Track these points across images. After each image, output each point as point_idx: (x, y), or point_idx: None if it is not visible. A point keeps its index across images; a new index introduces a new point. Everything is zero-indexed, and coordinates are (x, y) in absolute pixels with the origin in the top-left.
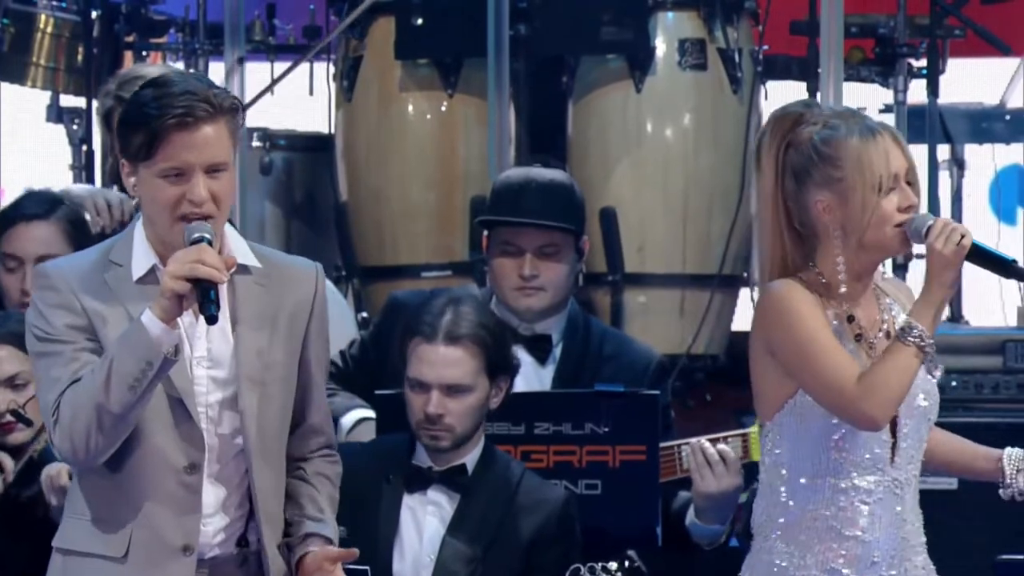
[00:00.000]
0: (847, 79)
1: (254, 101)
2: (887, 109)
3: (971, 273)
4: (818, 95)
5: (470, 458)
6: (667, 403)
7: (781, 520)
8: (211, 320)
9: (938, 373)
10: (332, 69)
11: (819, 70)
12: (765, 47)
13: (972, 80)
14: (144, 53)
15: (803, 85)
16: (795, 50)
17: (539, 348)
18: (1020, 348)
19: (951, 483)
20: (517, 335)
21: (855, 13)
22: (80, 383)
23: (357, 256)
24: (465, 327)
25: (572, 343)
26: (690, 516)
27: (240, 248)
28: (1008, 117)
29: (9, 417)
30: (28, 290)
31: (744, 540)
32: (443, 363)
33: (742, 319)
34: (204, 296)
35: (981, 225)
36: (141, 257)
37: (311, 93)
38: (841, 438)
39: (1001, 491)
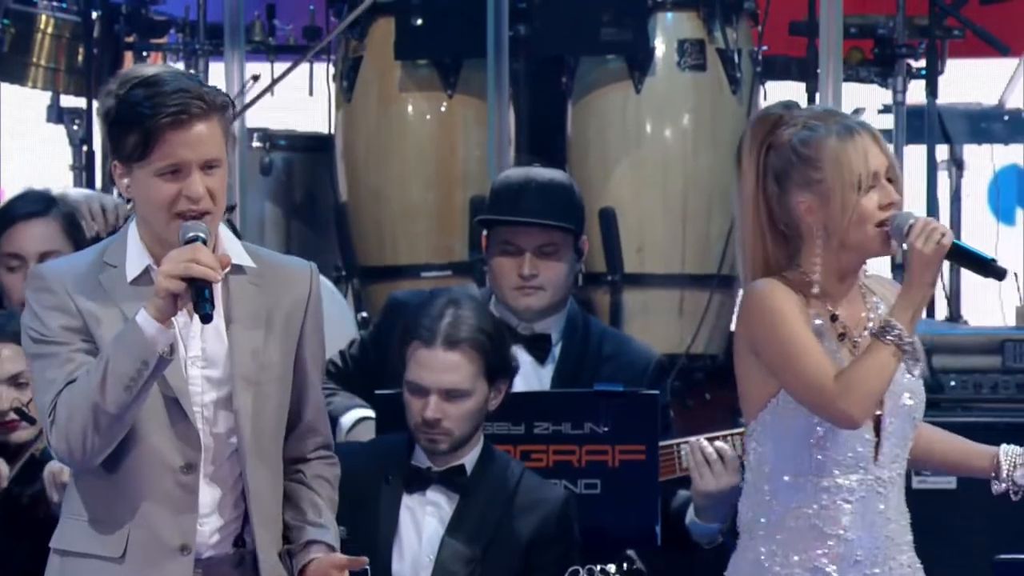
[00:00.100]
0: (846, 80)
1: (254, 101)
2: (886, 110)
3: (970, 273)
4: (817, 96)
5: (469, 458)
6: (666, 403)
7: (765, 519)
8: (206, 319)
9: (916, 372)
10: (332, 69)
11: (818, 71)
12: (764, 48)
13: (971, 80)
14: (144, 53)
15: (802, 86)
16: (794, 51)
17: (538, 348)
18: (1019, 348)
19: (950, 483)
20: (516, 334)
21: (854, 14)
22: (76, 384)
23: (357, 256)
24: (464, 331)
25: (571, 343)
26: (689, 515)
27: (234, 248)
28: (1007, 117)
29: (12, 415)
30: None
31: (730, 538)
32: (442, 368)
33: None
34: (198, 295)
35: (980, 225)
36: (135, 258)
37: (311, 93)
38: (822, 437)
39: (994, 486)
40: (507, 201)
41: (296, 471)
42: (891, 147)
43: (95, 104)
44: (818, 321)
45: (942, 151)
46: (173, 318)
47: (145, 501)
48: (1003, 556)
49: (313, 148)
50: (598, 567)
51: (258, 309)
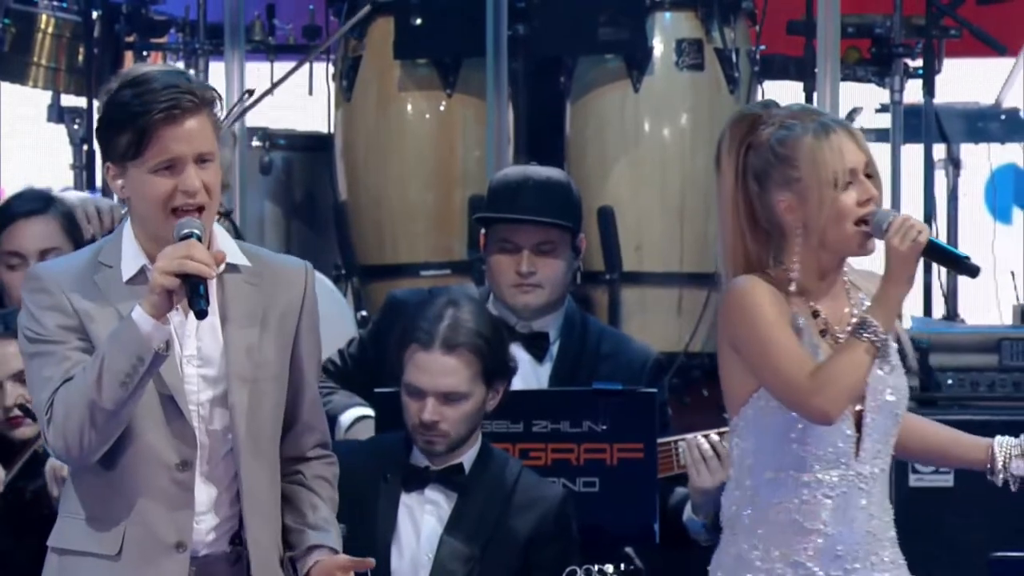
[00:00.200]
0: (843, 79)
1: (255, 103)
2: (883, 109)
3: None
4: (815, 95)
5: (467, 457)
6: (664, 401)
7: (747, 513)
8: (200, 315)
9: (888, 367)
10: (331, 69)
11: (816, 70)
12: (762, 47)
13: (968, 80)
14: (144, 53)
15: (800, 85)
16: (792, 50)
17: (536, 346)
18: (1016, 346)
19: (947, 481)
20: (514, 332)
21: (851, 13)
22: (72, 381)
23: (356, 255)
24: (462, 335)
25: (569, 341)
26: (687, 512)
27: (229, 247)
28: (1003, 117)
29: (17, 412)
30: None
31: (714, 534)
32: (439, 372)
33: None
34: (193, 291)
35: (976, 224)
36: (131, 258)
37: (311, 93)
38: (802, 432)
39: (990, 477)
40: (505, 199)
41: (296, 471)
42: (889, 145)
43: (95, 104)
44: (799, 320)
45: (939, 150)
46: (169, 316)
47: (141, 498)
48: (999, 554)
49: (313, 147)
50: (595, 567)
51: (253, 308)
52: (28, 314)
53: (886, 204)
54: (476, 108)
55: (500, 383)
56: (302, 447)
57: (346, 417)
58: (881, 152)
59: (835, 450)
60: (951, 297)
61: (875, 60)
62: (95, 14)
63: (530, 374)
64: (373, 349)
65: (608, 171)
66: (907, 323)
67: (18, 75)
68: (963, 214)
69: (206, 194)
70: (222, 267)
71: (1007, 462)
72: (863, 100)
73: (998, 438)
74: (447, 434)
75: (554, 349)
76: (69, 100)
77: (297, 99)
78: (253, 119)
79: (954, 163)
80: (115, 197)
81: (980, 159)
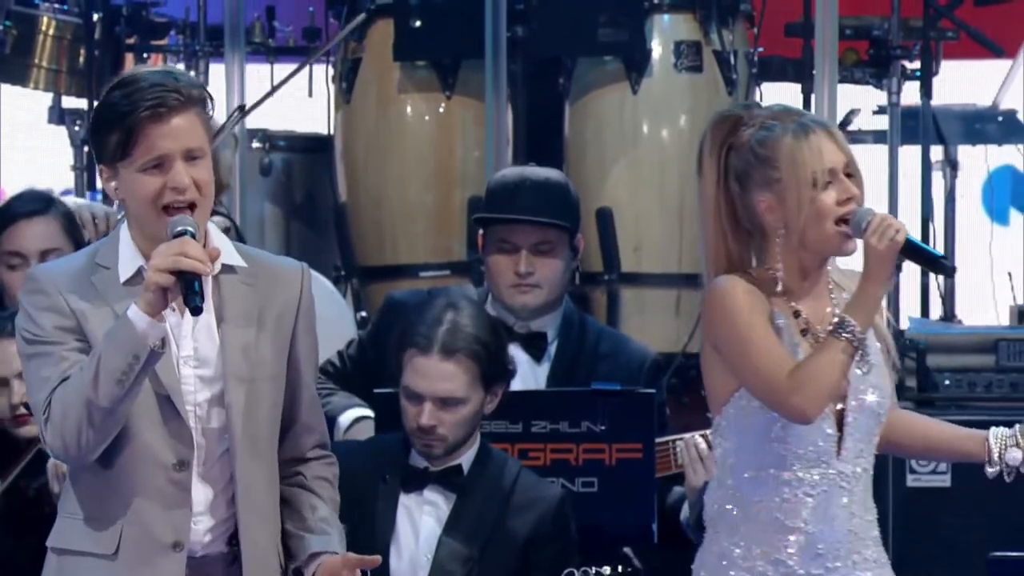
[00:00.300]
0: (841, 81)
1: (256, 105)
2: (881, 111)
3: (967, 273)
4: (812, 96)
5: (466, 458)
6: (662, 401)
7: (729, 512)
8: (195, 312)
9: (867, 366)
10: (331, 71)
11: (813, 72)
12: (760, 49)
13: (965, 81)
14: (145, 55)
15: (798, 87)
16: (790, 52)
17: (535, 346)
18: (1013, 347)
19: (944, 481)
20: (513, 333)
21: (849, 15)
22: (69, 381)
23: (356, 256)
24: (461, 340)
25: (567, 341)
26: (684, 511)
27: (225, 247)
28: (1001, 118)
29: (23, 410)
30: None
31: (698, 533)
32: (438, 377)
33: None
34: (188, 288)
35: (974, 226)
36: (127, 259)
37: (310, 94)
38: (782, 431)
39: (987, 469)
40: (503, 199)
41: (296, 472)
42: (887, 147)
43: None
44: (780, 320)
45: (936, 152)
46: (165, 316)
47: (138, 498)
48: (997, 553)
49: (312, 149)
50: (593, 569)
51: (249, 308)
52: (25, 315)
53: (884, 205)
54: (475, 109)
55: (498, 386)
56: (301, 448)
57: (345, 418)
58: (879, 154)
59: (816, 449)
60: (948, 298)
61: (873, 62)
62: (96, 16)
63: (528, 374)
64: (372, 350)
65: (607, 172)
66: (904, 324)
67: (19, 77)
68: (960, 216)
69: (196, 191)
70: (218, 264)
71: (1002, 452)
72: (861, 102)
73: (993, 429)
74: (444, 438)
75: (552, 349)
76: (70, 102)
77: (297, 101)
78: (253, 121)
79: (951, 165)
80: (115, 204)
81: (977, 161)
